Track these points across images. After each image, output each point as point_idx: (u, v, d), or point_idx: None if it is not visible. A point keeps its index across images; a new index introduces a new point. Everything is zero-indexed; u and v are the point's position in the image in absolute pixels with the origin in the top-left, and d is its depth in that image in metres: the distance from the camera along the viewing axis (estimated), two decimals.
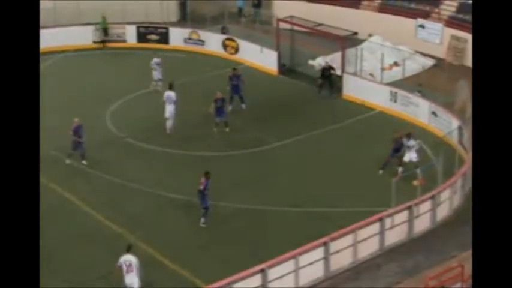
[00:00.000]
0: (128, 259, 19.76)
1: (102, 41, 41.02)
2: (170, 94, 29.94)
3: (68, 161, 27.62)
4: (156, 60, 34.39)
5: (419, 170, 25.51)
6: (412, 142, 25.94)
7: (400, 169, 26.07)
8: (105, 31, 40.93)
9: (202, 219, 23.55)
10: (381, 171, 26.61)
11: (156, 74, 34.33)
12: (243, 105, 32.58)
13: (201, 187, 23.39)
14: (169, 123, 30.03)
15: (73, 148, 27.64)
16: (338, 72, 34.79)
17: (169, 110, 29.88)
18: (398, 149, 26.36)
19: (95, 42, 40.89)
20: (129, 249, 19.93)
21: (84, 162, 27.57)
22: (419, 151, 26.30)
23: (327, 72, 34.34)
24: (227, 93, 31.79)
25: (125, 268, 19.68)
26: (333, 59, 35.55)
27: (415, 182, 25.02)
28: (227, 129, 30.41)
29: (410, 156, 26.03)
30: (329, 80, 34.32)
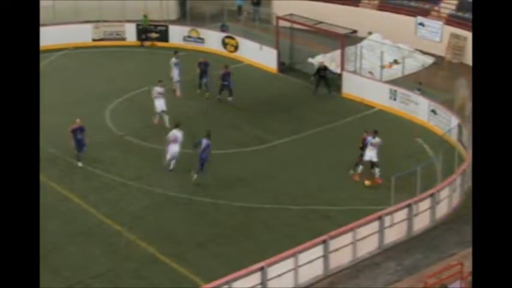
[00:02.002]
0: (174, 133, 26.34)
1: (143, 39, 40.61)
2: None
3: (80, 164, 27.12)
4: (158, 89, 30.11)
5: (377, 170, 25.65)
6: (377, 139, 25.95)
7: (360, 167, 26.20)
8: (146, 29, 40.65)
9: (195, 175, 25.75)
10: (351, 172, 26.59)
11: (160, 105, 30.03)
12: (198, 91, 33.84)
13: (204, 153, 25.79)
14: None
15: (77, 149, 27.15)
16: (338, 70, 34.79)
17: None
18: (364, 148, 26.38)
19: (94, 39, 40.82)
20: (177, 125, 26.51)
21: (79, 164, 27.22)
22: (379, 150, 26.20)
23: (322, 72, 34.27)
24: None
25: (170, 140, 26.21)
26: (333, 57, 35.55)
27: (366, 182, 25.02)
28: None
29: (371, 155, 25.98)
30: (325, 79, 34.25)
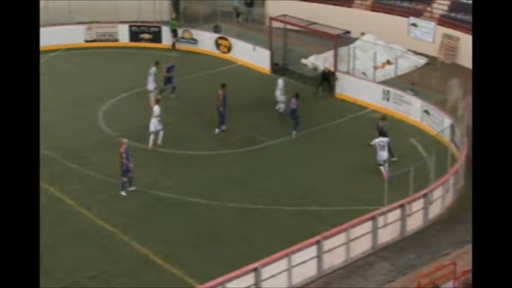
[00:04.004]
0: (278, 81, 32.30)
1: (173, 43, 40.27)
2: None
3: (123, 193, 25.44)
4: (157, 109, 29.03)
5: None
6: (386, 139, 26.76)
7: (385, 166, 26.52)
8: (176, 32, 40.30)
9: (294, 132, 29.78)
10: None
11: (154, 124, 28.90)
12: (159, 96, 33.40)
13: (294, 106, 29.80)
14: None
15: (125, 173, 25.46)
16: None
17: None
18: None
19: (86, 41, 40.73)
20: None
21: (132, 188, 25.72)
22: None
23: (327, 76, 34.29)
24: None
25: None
26: (326, 58, 35.56)
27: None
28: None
29: (382, 154, 26.51)
30: (329, 83, 34.28)
